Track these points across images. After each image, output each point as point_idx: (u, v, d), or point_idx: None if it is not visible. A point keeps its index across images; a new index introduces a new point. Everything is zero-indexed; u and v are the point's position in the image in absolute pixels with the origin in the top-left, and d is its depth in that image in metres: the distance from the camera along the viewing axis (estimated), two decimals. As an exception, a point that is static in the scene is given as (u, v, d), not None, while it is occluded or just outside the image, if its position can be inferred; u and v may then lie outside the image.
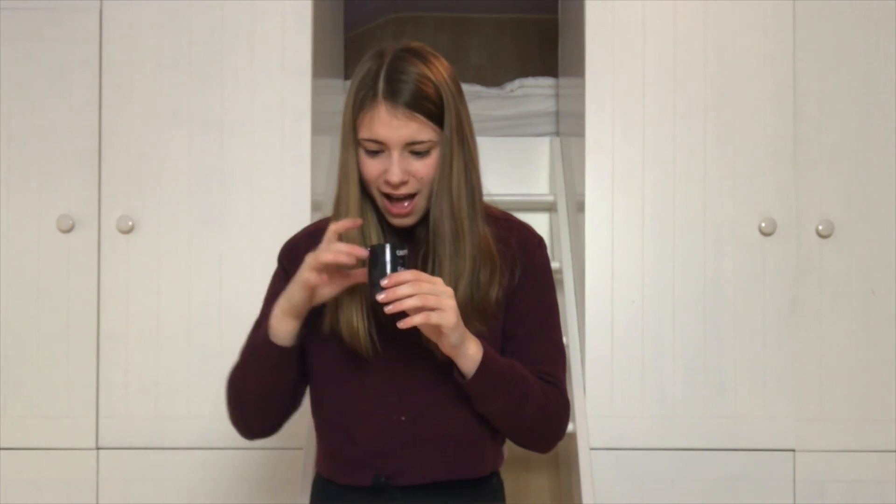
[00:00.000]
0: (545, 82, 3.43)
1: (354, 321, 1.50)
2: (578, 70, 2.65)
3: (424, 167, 1.49)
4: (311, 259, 1.43)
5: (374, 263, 1.40)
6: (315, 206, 2.54)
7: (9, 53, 2.55)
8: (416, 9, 4.59)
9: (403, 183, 1.48)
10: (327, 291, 1.47)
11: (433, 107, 1.48)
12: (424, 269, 1.51)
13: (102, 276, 2.53)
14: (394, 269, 1.39)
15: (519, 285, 1.57)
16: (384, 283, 1.37)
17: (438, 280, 1.41)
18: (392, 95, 1.46)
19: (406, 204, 1.50)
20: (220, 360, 2.49)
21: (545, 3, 3.82)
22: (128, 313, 2.52)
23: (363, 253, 1.41)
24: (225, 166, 2.54)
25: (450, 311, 1.39)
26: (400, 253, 1.40)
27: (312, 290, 1.45)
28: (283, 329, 1.49)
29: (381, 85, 1.46)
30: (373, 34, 4.39)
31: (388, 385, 1.53)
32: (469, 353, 1.45)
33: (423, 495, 1.53)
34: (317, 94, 2.58)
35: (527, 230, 1.62)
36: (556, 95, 3.36)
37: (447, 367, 1.49)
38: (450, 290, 1.41)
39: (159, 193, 2.53)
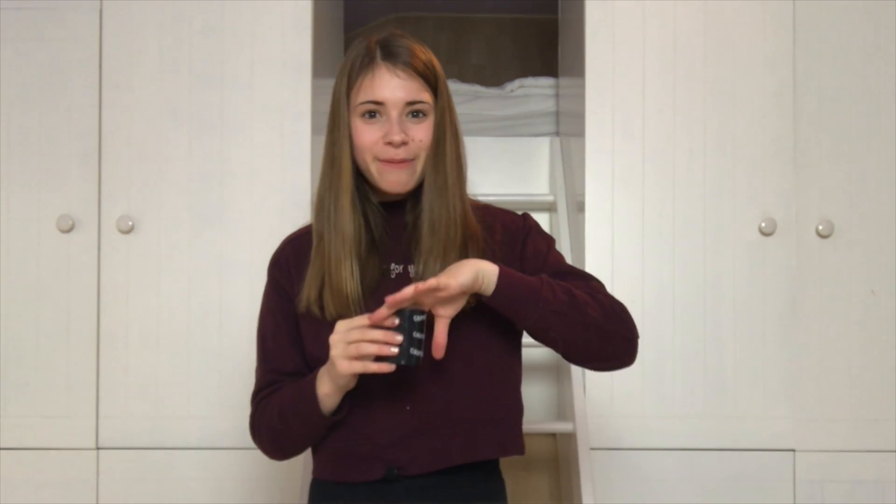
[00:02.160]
0: (545, 82, 3.43)
1: (345, 291, 1.51)
2: (578, 70, 2.65)
3: (422, 130, 1.51)
4: (350, 349, 1.41)
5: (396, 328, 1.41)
6: (315, 206, 2.54)
7: (9, 53, 2.55)
8: (416, 9, 4.60)
9: (404, 143, 1.49)
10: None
11: (429, 73, 1.52)
12: (415, 242, 1.53)
13: (102, 276, 2.53)
14: (413, 332, 1.41)
15: (523, 253, 1.58)
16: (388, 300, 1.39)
17: (420, 283, 1.41)
18: (390, 57, 1.50)
19: (403, 164, 1.51)
20: (220, 360, 2.51)
21: (545, 3, 3.83)
22: (128, 313, 2.52)
23: (394, 323, 1.41)
24: (225, 166, 2.54)
25: (451, 285, 1.40)
26: (417, 318, 1.41)
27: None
28: (332, 402, 1.51)
29: (378, 52, 1.51)
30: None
31: (390, 376, 1.53)
32: (487, 271, 1.44)
33: (432, 484, 1.53)
34: (317, 94, 2.58)
35: (508, 213, 1.64)
36: (556, 95, 3.36)
37: (447, 353, 1.49)
38: (432, 281, 1.40)
39: (159, 193, 2.53)
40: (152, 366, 2.51)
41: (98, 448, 2.51)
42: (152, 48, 2.55)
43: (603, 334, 1.49)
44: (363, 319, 1.41)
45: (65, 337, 2.52)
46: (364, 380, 1.52)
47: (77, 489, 2.50)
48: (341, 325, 1.43)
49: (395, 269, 1.57)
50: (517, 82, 3.49)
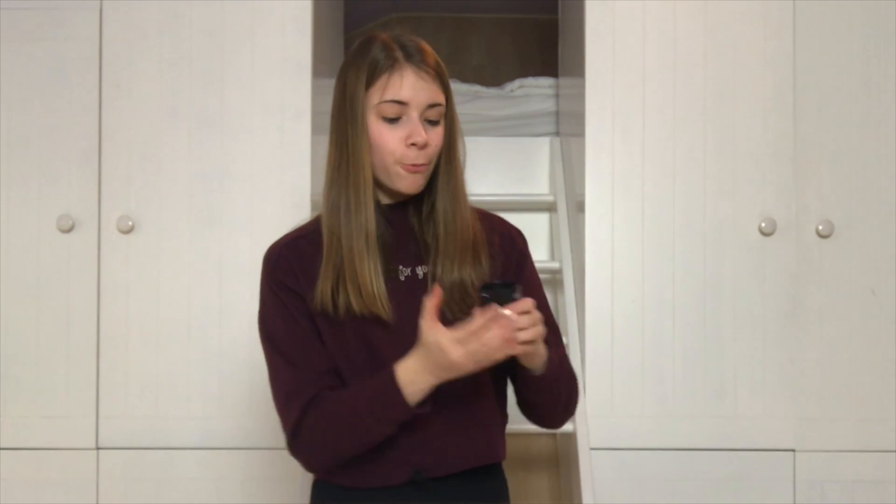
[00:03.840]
0: (545, 82, 3.43)
1: (371, 287, 1.50)
2: (578, 70, 2.65)
3: (437, 135, 1.52)
4: (516, 339, 1.41)
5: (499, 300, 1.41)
6: (315, 206, 2.54)
7: (9, 53, 2.55)
8: (416, 9, 4.60)
9: (426, 145, 1.50)
10: None
11: (443, 74, 1.53)
12: (426, 245, 1.54)
13: (102, 276, 2.53)
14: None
15: (515, 277, 1.59)
16: (512, 308, 1.39)
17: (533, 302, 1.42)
18: (412, 58, 1.50)
19: (422, 168, 1.51)
20: (220, 360, 2.51)
21: (545, 3, 3.83)
22: (128, 313, 2.52)
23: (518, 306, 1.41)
24: (225, 166, 2.54)
25: (541, 337, 1.43)
26: (517, 295, 1.41)
27: None
28: (423, 394, 1.47)
29: (398, 52, 1.50)
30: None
31: None
32: (541, 352, 1.47)
33: (450, 485, 1.53)
34: (317, 93, 2.58)
35: (507, 225, 1.65)
36: (556, 95, 3.36)
37: None
38: (540, 316, 1.43)
39: (159, 193, 2.53)
40: (152, 366, 2.51)
41: (98, 448, 2.51)
42: (152, 48, 2.55)
43: (559, 412, 1.60)
44: (510, 314, 1.39)
45: (65, 337, 2.52)
46: None
47: (77, 489, 2.50)
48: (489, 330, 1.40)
49: (404, 271, 1.55)
50: (517, 82, 3.48)
